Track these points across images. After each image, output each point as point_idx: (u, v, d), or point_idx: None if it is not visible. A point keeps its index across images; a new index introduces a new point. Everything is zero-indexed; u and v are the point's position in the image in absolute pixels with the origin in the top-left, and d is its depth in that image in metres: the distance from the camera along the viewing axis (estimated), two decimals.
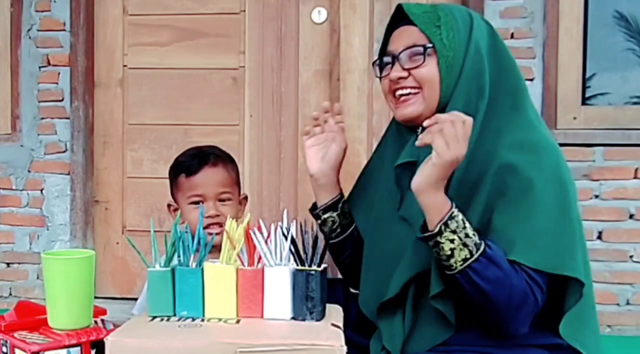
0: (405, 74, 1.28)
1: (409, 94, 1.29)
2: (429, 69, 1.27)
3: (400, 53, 1.29)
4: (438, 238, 1.12)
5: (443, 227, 1.11)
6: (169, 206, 1.69)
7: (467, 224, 1.13)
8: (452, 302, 1.20)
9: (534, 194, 1.15)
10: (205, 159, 1.60)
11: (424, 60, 1.27)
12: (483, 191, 1.19)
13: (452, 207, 1.13)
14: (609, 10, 2.29)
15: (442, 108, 1.26)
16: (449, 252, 1.11)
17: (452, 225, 1.11)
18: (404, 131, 1.36)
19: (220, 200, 1.58)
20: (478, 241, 1.12)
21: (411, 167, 1.27)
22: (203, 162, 1.59)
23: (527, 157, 1.18)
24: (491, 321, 1.17)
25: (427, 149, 1.21)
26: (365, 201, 1.47)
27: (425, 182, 1.13)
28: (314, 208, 1.53)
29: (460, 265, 1.11)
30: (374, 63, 1.40)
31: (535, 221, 1.15)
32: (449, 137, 1.10)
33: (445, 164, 1.11)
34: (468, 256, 1.11)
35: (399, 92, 1.30)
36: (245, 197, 1.73)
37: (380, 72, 1.37)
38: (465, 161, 1.16)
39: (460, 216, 1.13)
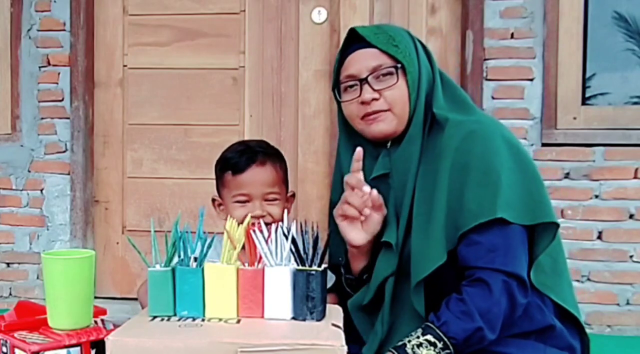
0: (377, 95, 1.32)
1: (379, 112, 1.33)
2: (400, 89, 1.32)
3: (368, 75, 1.32)
4: None
5: None
6: (213, 200, 1.65)
7: (425, 351, 1.16)
8: (422, 295, 1.25)
9: (494, 161, 1.21)
10: (253, 158, 1.54)
11: (397, 80, 1.31)
12: (442, 181, 1.23)
13: None
14: (609, 10, 2.29)
15: (409, 124, 1.33)
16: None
17: None
18: (369, 148, 1.38)
19: (267, 199, 1.54)
20: (442, 345, 1.16)
21: (384, 178, 1.35)
22: (251, 161, 1.54)
23: (473, 134, 1.24)
24: None
25: (398, 159, 1.32)
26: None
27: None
28: (347, 272, 1.44)
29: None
30: (333, 88, 1.42)
31: (504, 182, 1.20)
32: None
33: None
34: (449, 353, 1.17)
35: (370, 113, 1.33)
36: (293, 195, 1.68)
37: (339, 95, 1.39)
38: (415, 173, 1.28)
39: None
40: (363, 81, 1.32)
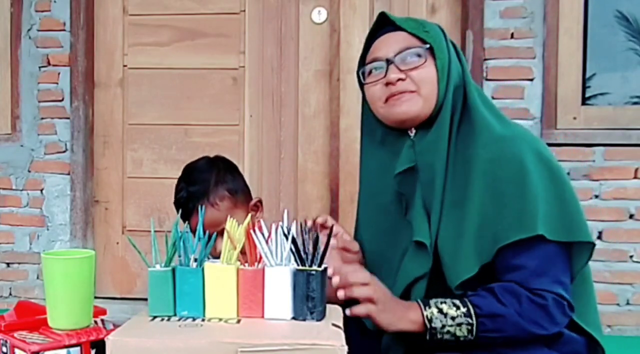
0: (403, 75, 1.26)
1: (405, 92, 1.27)
2: (428, 70, 1.27)
3: (395, 56, 1.27)
4: (438, 337, 1.15)
5: (433, 332, 1.15)
6: None
7: (446, 307, 1.15)
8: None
9: (530, 178, 1.18)
10: (192, 208, 1.58)
11: (425, 61, 1.27)
12: (475, 189, 1.20)
13: (423, 312, 1.15)
14: (609, 10, 2.29)
15: (436, 111, 1.27)
16: (454, 338, 1.15)
17: (437, 324, 1.15)
18: (391, 139, 1.34)
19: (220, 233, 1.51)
20: (466, 311, 1.14)
21: (411, 172, 1.29)
22: (192, 211, 1.57)
23: (508, 148, 1.20)
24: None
25: (424, 151, 1.26)
26: (370, 221, 1.43)
27: (388, 323, 1.16)
28: None
29: (472, 336, 1.15)
30: (358, 71, 1.37)
31: (540, 198, 1.17)
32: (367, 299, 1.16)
33: (385, 310, 1.16)
34: (470, 328, 1.14)
35: (395, 93, 1.27)
36: (259, 202, 1.69)
37: (364, 78, 1.34)
38: (443, 167, 1.23)
39: (435, 310, 1.15)
40: (389, 62, 1.27)
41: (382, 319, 1.16)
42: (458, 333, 1.14)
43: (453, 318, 1.14)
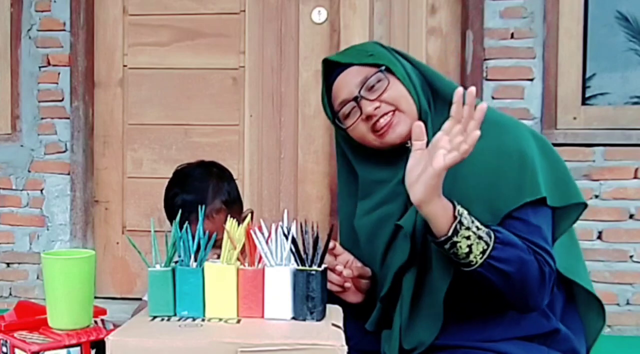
0: (377, 103, 1.28)
1: (388, 116, 1.28)
2: (396, 87, 1.29)
3: (359, 90, 1.29)
4: (455, 239, 1.12)
5: (458, 226, 1.11)
6: None
7: (473, 217, 1.14)
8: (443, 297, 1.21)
9: (525, 146, 1.20)
10: (186, 215, 1.38)
11: (388, 82, 1.28)
12: (470, 164, 1.18)
13: (455, 205, 1.14)
14: (609, 10, 2.30)
15: (421, 118, 1.28)
16: (466, 250, 1.12)
17: (465, 222, 1.12)
18: (388, 155, 1.33)
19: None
20: (488, 231, 1.13)
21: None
22: (184, 219, 1.38)
23: (497, 123, 1.22)
24: (514, 301, 1.18)
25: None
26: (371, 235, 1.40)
27: (430, 192, 1.12)
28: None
29: (481, 258, 1.12)
30: (333, 121, 1.38)
31: (537, 166, 1.20)
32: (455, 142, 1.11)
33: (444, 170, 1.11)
34: (485, 247, 1.12)
35: (380, 122, 1.28)
36: (250, 213, 1.64)
37: (342, 123, 1.35)
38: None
39: (465, 211, 1.14)
40: (358, 98, 1.29)
41: (430, 181, 1.10)
42: (474, 248, 1.11)
43: (478, 228, 1.12)
